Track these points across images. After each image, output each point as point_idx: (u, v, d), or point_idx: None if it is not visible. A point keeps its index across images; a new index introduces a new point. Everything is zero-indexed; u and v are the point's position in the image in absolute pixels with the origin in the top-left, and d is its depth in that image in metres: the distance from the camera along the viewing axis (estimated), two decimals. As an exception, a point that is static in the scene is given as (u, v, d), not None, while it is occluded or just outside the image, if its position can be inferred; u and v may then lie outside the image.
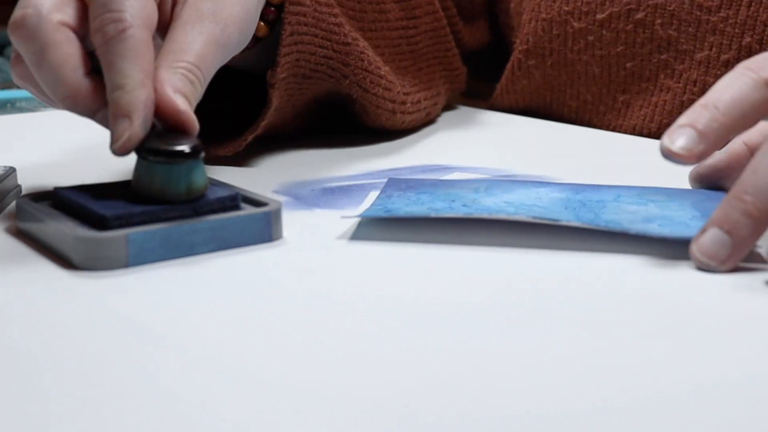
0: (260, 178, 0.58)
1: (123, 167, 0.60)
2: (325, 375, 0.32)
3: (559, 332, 0.36)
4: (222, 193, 0.46)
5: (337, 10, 0.64)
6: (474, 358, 0.34)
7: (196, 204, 0.44)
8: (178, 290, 0.40)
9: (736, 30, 0.65)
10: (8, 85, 0.98)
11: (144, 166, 0.45)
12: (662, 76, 0.69)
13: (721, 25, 0.66)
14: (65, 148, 0.69)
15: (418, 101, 0.73)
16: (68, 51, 0.45)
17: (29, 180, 0.56)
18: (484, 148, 0.69)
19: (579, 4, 0.73)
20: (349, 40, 0.64)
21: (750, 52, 0.65)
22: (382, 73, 0.67)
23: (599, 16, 0.72)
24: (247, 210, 0.46)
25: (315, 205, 0.52)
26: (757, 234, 0.41)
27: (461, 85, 0.82)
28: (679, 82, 0.67)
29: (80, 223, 0.44)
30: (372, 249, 0.45)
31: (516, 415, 0.30)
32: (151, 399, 0.30)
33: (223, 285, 0.41)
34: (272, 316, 0.37)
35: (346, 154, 0.65)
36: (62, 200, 0.46)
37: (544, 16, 0.76)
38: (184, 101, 0.45)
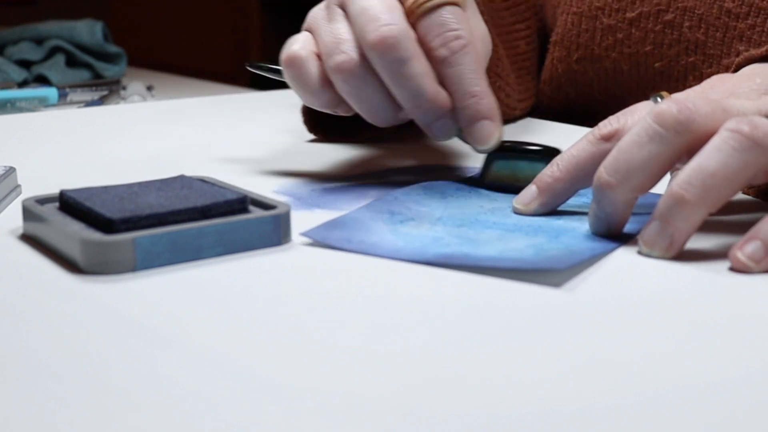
0: (260, 178, 0.58)
1: (122, 166, 0.60)
2: (332, 376, 0.33)
3: (558, 331, 0.36)
4: (230, 195, 0.46)
5: (487, 17, 0.67)
6: (475, 357, 0.34)
7: (203, 207, 0.44)
8: (185, 294, 0.40)
9: (763, 38, 0.64)
10: (8, 85, 0.97)
11: (506, 160, 0.54)
12: (691, 78, 0.69)
13: (749, 33, 0.66)
14: (65, 148, 0.69)
15: (525, 103, 0.78)
16: (426, 63, 0.52)
17: (29, 180, 0.56)
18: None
19: (610, 0, 0.73)
20: (493, 45, 0.68)
21: None
22: (510, 81, 0.73)
23: (629, 14, 0.72)
24: (256, 213, 0.45)
25: (315, 205, 0.52)
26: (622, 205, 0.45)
27: None
28: None
29: (87, 226, 0.43)
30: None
31: (516, 415, 0.30)
32: (159, 402, 0.31)
33: (231, 289, 0.41)
34: (281, 320, 0.37)
35: (346, 154, 0.65)
36: (68, 202, 0.45)
37: (575, 9, 0.76)
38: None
